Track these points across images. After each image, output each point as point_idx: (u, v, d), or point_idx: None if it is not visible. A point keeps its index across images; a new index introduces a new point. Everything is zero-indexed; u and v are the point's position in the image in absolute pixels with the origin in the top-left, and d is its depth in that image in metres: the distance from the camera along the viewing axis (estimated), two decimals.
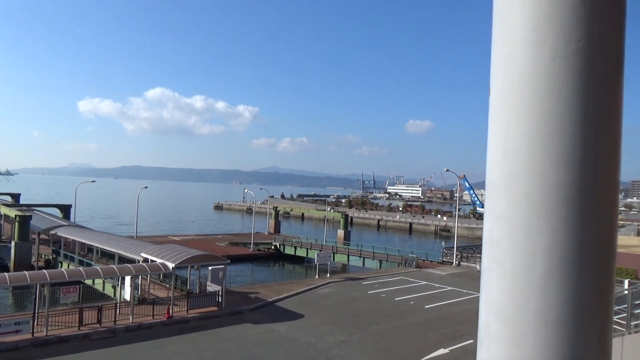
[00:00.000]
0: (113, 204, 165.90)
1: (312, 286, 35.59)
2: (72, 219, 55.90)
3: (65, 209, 62.36)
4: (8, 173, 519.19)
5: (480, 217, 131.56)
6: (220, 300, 28.41)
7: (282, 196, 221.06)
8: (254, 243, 61.19)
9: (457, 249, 51.41)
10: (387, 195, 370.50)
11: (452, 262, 50.31)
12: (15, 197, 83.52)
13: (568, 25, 0.98)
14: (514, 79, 1.04)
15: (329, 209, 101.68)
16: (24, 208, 56.19)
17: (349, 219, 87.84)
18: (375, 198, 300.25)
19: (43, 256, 45.73)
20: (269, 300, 30.77)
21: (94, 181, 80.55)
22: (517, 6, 1.03)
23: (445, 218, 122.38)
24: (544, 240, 0.99)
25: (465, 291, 35.55)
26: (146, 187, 56.85)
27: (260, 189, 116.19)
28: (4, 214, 55.49)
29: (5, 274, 24.81)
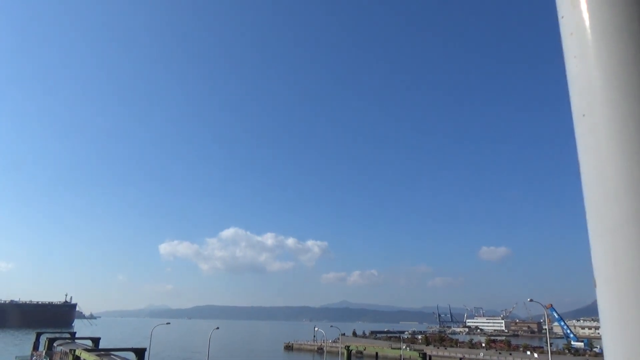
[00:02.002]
0: (186, 345, 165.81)
1: None
2: None
3: (140, 353, 63.13)
4: (92, 317, 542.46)
5: (576, 352, 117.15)
6: None
7: (354, 333, 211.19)
8: None
9: None
10: (466, 329, 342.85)
11: None
12: (96, 341, 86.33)
13: None
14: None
15: (404, 347, 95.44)
16: (102, 353, 57.78)
17: (428, 358, 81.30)
18: (454, 333, 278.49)
19: None
20: None
21: (169, 323, 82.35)
22: (593, 66, 1.02)
23: (536, 355, 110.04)
24: None
25: None
26: (217, 328, 57.24)
27: (331, 326, 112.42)
28: (84, 359, 57.18)
29: None
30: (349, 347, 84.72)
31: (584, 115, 1.09)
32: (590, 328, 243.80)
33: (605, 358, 1.09)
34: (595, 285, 1.06)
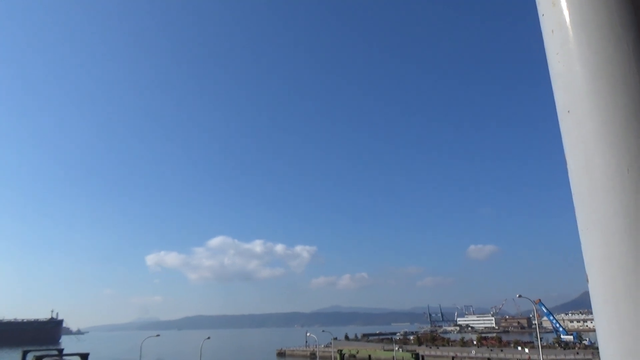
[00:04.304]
0: (177, 357, 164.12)
1: None
2: None
3: None
4: (79, 332, 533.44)
5: (566, 345, 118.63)
6: None
7: (346, 337, 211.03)
8: None
9: None
10: (457, 327, 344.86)
11: None
12: (84, 357, 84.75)
13: None
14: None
15: (397, 348, 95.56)
16: None
17: (420, 358, 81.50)
18: (446, 332, 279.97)
19: None
20: None
21: (159, 335, 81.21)
22: (575, 62, 1.05)
23: (527, 350, 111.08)
24: None
25: None
26: (209, 338, 56.76)
27: (323, 331, 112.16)
28: None
29: None
30: (341, 351, 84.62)
31: (568, 111, 1.10)
32: (578, 321, 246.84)
33: (600, 352, 1.10)
34: (587, 280, 1.06)
